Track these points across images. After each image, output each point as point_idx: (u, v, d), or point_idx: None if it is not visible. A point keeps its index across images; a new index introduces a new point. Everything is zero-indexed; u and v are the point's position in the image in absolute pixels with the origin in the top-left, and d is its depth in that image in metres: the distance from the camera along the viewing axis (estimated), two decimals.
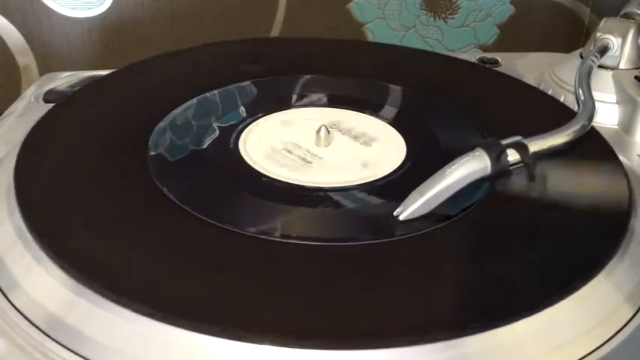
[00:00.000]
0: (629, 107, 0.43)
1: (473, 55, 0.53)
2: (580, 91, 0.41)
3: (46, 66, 0.61)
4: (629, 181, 0.35)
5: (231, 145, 0.38)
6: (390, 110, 0.43)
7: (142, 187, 0.34)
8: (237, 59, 0.48)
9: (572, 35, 0.69)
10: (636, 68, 0.45)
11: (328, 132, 0.38)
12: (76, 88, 0.46)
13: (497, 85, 0.46)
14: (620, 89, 0.44)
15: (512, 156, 0.34)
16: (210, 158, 0.37)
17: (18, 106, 0.45)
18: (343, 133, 0.40)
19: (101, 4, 0.61)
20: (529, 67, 0.51)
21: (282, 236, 0.31)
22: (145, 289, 0.28)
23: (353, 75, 0.46)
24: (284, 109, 0.42)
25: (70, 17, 0.61)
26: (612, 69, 0.45)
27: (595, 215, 0.33)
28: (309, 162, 0.37)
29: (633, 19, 0.46)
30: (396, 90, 0.45)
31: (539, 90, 0.46)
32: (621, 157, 0.38)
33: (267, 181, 0.35)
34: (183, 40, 0.63)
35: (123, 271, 0.29)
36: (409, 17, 0.66)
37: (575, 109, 0.40)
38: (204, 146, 0.38)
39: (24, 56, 0.62)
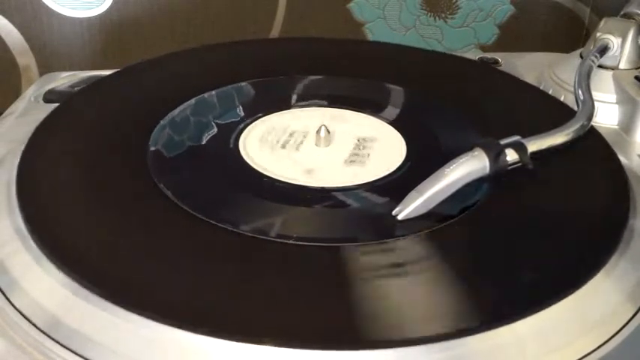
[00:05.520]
0: (629, 107, 0.43)
1: (473, 55, 0.53)
2: (580, 91, 0.41)
3: (46, 66, 0.61)
4: (628, 181, 0.35)
5: (231, 146, 0.38)
6: (390, 110, 0.43)
7: (142, 187, 0.34)
8: (237, 60, 0.48)
9: (572, 35, 0.69)
10: (636, 68, 0.45)
11: (328, 132, 0.38)
12: (77, 88, 0.46)
13: (497, 85, 0.46)
14: (620, 89, 0.44)
15: (511, 156, 0.34)
16: (209, 158, 0.37)
17: (18, 106, 0.45)
18: (343, 133, 0.40)
19: (101, 4, 0.61)
20: (529, 67, 0.51)
21: (282, 236, 0.31)
22: (144, 290, 0.28)
23: (353, 75, 0.46)
24: (284, 109, 0.42)
25: (70, 17, 0.61)
26: (612, 69, 0.45)
27: (595, 215, 0.33)
28: (309, 162, 0.37)
29: (633, 19, 0.46)
30: (395, 90, 0.45)
31: (539, 89, 0.46)
32: (621, 157, 0.38)
33: (267, 181, 0.35)
34: (183, 39, 0.63)
35: (122, 271, 0.29)
36: (409, 17, 0.66)
37: (575, 109, 0.40)
38: (204, 147, 0.38)
39: (24, 56, 0.62)
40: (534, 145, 0.35)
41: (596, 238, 0.31)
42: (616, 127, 0.43)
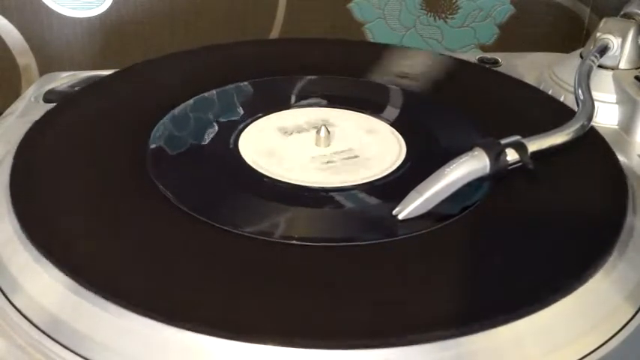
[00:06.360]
0: (629, 107, 0.43)
1: (473, 55, 0.53)
2: (579, 91, 0.41)
3: (46, 66, 0.61)
4: (627, 180, 0.35)
5: (231, 146, 0.38)
6: (390, 110, 0.43)
7: (140, 187, 0.34)
8: (237, 60, 0.48)
9: (572, 35, 0.69)
10: (636, 68, 0.45)
11: (328, 132, 0.38)
12: (76, 88, 0.46)
13: (497, 85, 0.46)
14: (620, 89, 0.44)
15: (511, 155, 0.34)
16: (209, 158, 0.37)
17: (18, 106, 0.45)
18: (343, 134, 0.40)
19: (101, 4, 0.61)
20: (529, 67, 0.51)
21: (282, 237, 0.31)
22: (144, 289, 0.28)
23: (353, 75, 0.46)
24: (284, 109, 0.42)
25: (70, 17, 0.61)
26: (612, 69, 0.45)
27: (594, 215, 0.33)
28: (309, 162, 0.37)
29: (633, 19, 0.46)
30: (395, 90, 0.45)
31: (538, 89, 0.46)
32: (621, 157, 0.38)
33: (267, 182, 0.35)
34: (183, 40, 0.63)
35: (122, 271, 0.29)
36: (409, 17, 0.66)
37: (575, 109, 0.40)
38: (204, 147, 0.38)
39: (24, 56, 0.62)
40: (534, 145, 0.35)
41: (596, 238, 0.31)
42: (616, 127, 0.43)
